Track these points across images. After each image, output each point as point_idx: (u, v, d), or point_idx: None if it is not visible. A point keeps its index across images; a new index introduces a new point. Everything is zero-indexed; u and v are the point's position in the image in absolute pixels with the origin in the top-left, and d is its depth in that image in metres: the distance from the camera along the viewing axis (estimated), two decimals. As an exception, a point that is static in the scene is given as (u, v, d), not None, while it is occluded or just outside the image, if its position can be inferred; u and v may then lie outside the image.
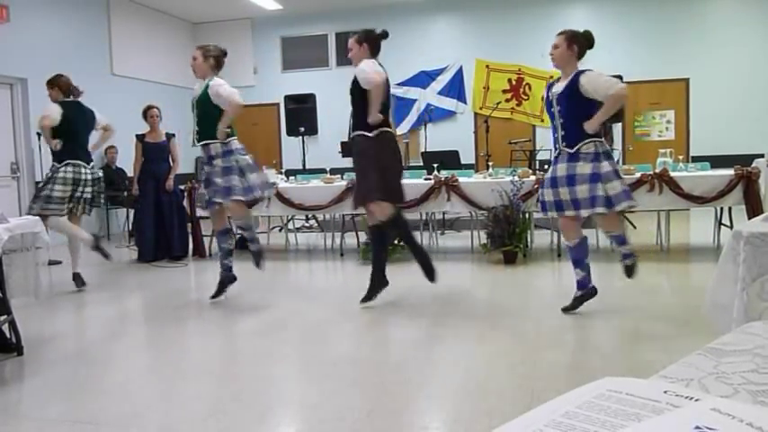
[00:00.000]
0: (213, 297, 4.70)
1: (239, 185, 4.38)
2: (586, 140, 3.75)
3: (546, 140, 9.44)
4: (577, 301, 4.02)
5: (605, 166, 3.75)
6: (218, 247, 4.78)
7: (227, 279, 4.71)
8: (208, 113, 4.49)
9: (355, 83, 4.27)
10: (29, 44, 8.14)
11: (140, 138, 6.84)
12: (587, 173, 3.74)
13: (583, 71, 3.76)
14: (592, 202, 3.76)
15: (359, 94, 4.25)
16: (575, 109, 3.76)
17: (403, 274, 5.44)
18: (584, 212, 3.82)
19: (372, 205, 4.30)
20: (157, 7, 10.79)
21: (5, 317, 3.44)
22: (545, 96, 4.01)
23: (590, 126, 3.70)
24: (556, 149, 3.93)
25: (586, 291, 4.00)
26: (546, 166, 7.34)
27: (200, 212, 6.77)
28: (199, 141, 4.53)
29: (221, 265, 4.73)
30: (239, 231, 4.75)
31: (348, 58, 4.42)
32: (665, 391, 0.57)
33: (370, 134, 4.23)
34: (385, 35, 4.43)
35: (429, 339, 3.82)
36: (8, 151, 8.07)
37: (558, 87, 3.86)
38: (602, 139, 3.84)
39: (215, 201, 4.46)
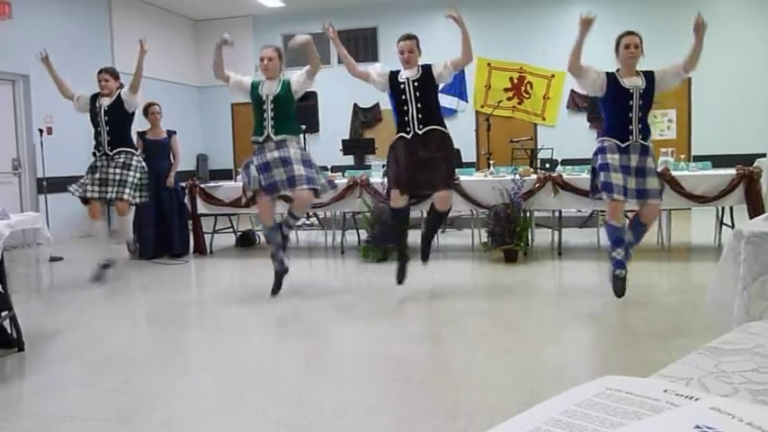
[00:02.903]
0: (274, 292, 4.67)
1: (316, 176, 4.57)
2: (650, 135, 4.16)
3: (547, 139, 9.44)
4: (622, 282, 4.13)
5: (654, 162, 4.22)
6: (270, 241, 4.74)
7: (282, 272, 4.71)
8: (286, 109, 4.62)
9: (428, 78, 4.47)
10: (31, 40, 8.13)
11: (141, 135, 6.84)
12: (653, 167, 4.17)
13: (651, 70, 4.14)
14: (660, 194, 4.14)
15: (434, 90, 4.55)
16: (651, 104, 4.15)
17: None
18: (655, 202, 4.13)
19: (451, 194, 4.62)
20: (159, 4, 10.79)
21: (7, 312, 3.45)
22: (609, 88, 4.11)
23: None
24: (623, 140, 4.08)
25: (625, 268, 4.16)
26: (547, 165, 7.36)
27: (202, 210, 6.79)
28: (276, 135, 4.53)
29: (274, 258, 4.71)
30: (285, 222, 4.76)
31: (407, 61, 4.52)
32: (665, 390, 0.57)
33: (446, 130, 4.49)
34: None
35: (429, 337, 3.82)
36: (10, 147, 8.08)
37: (637, 81, 4.09)
38: None
39: (284, 190, 4.55)
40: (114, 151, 5.31)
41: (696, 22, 4.13)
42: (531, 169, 6.54)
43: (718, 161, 6.79)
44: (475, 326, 3.85)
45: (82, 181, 5.31)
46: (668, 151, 6.26)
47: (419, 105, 4.41)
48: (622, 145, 4.08)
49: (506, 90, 11.04)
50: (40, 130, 7.63)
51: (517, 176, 5.95)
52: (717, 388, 0.70)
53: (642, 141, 4.09)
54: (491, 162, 7.12)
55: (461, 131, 10.74)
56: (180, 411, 2.68)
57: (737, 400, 0.65)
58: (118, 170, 5.27)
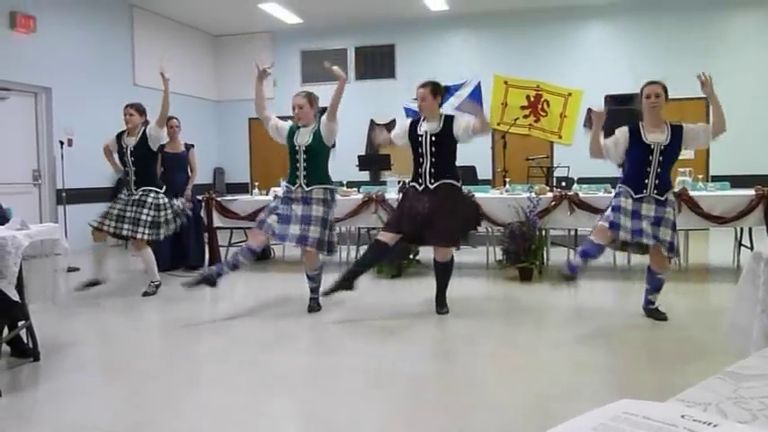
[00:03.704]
0: (188, 286, 4.54)
1: (326, 239, 4.54)
2: (671, 189, 4.14)
3: (563, 158, 9.42)
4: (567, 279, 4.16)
5: (676, 216, 4.19)
6: (238, 255, 4.63)
7: (211, 280, 4.49)
8: (319, 158, 4.60)
9: (447, 133, 4.41)
10: (54, 54, 8.28)
11: (160, 148, 6.90)
12: (671, 219, 4.10)
13: (679, 124, 4.13)
14: (671, 247, 4.06)
15: (451, 145, 4.48)
16: (674, 159, 4.12)
17: (416, 289, 5.43)
18: (662, 251, 4.09)
19: (450, 250, 4.60)
20: (179, 19, 10.95)
21: (24, 322, 3.48)
22: (631, 142, 4.13)
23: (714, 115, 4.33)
24: (636, 191, 4.09)
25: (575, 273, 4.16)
26: (563, 183, 7.33)
27: (218, 223, 6.83)
28: (308, 186, 4.53)
29: (225, 263, 4.69)
30: (308, 280, 4.80)
31: (420, 108, 4.52)
32: (683, 416, 0.57)
33: (457, 183, 4.50)
34: (448, 90, 4.69)
35: (443, 354, 3.80)
36: (31, 158, 8.19)
37: (660, 137, 4.07)
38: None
39: (292, 244, 4.52)
40: (139, 190, 5.38)
41: (702, 82, 4.17)
42: (547, 187, 6.52)
43: (737, 181, 6.72)
44: (488, 344, 3.82)
45: (103, 212, 5.36)
46: (686, 171, 6.21)
47: (434, 160, 4.42)
48: (635, 196, 4.10)
49: (523, 108, 11.00)
50: (61, 142, 7.73)
51: (533, 194, 5.93)
52: (735, 414, 0.69)
53: (657, 196, 4.05)
54: (507, 180, 7.10)
55: (477, 149, 10.70)
56: (191, 423, 2.68)
57: (756, 427, 0.64)
58: (134, 208, 5.32)
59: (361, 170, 8.97)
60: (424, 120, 4.51)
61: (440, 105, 4.53)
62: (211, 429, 2.61)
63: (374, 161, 9.49)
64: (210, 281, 4.50)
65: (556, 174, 8.33)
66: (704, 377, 0.82)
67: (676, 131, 4.09)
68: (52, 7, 8.27)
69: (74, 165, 7.97)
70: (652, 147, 4.06)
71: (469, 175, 7.81)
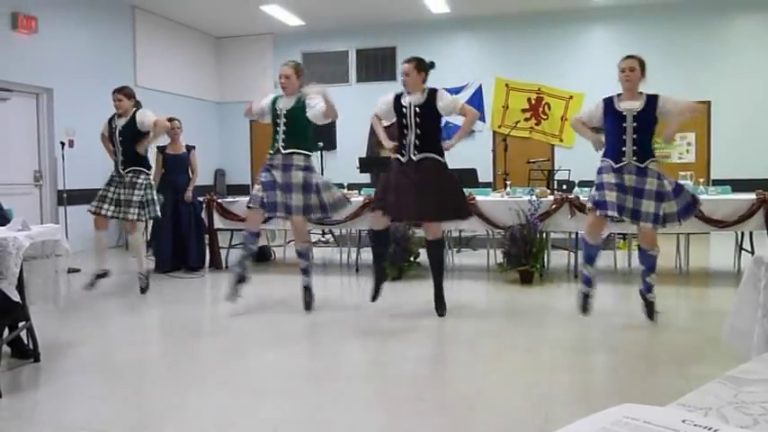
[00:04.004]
0: (230, 298, 4.78)
1: (315, 204, 4.64)
2: (653, 158, 4.11)
3: (564, 161, 9.42)
4: (587, 300, 4.27)
5: (666, 185, 4.08)
6: (245, 244, 4.82)
7: (240, 278, 4.76)
8: (299, 125, 4.68)
9: (430, 106, 4.47)
10: (55, 55, 8.29)
11: (161, 149, 6.93)
12: (654, 189, 4.05)
13: (656, 94, 4.14)
14: (654, 219, 4.04)
15: (435, 119, 4.52)
16: (650, 127, 4.15)
17: (418, 291, 5.42)
18: (642, 224, 4.07)
19: (440, 226, 4.62)
20: (181, 21, 10.96)
21: (24, 323, 3.48)
22: (605, 113, 4.23)
23: (668, 137, 4.24)
24: (616, 161, 4.14)
25: (592, 287, 4.29)
26: (564, 186, 7.33)
27: (219, 225, 6.83)
28: (285, 149, 4.64)
29: (238, 264, 4.78)
30: (299, 258, 4.86)
31: (405, 84, 4.56)
32: (684, 420, 0.57)
33: (442, 159, 4.50)
34: (433, 66, 4.64)
35: (443, 357, 3.80)
36: (32, 159, 8.20)
37: (634, 104, 4.13)
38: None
39: (281, 214, 4.66)
40: (126, 170, 5.39)
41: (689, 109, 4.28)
42: (548, 190, 6.51)
43: (738, 185, 6.72)
44: (489, 347, 3.82)
45: (99, 195, 5.39)
46: (687, 175, 6.21)
47: (418, 132, 4.47)
48: (615, 166, 4.14)
49: (524, 111, 11.04)
50: (62, 143, 7.74)
51: (534, 197, 5.93)
52: (736, 419, 0.69)
53: (637, 163, 4.08)
54: (508, 183, 7.10)
55: (479, 151, 10.78)
56: (192, 426, 2.68)
57: (757, 432, 0.64)
58: (126, 190, 5.36)
59: (361, 172, 8.96)
60: (408, 93, 4.55)
61: (424, 81, 4.55)
62: (212, 431, 2.61)
63: (375, 163, 9.48)
64: (242, 278, 4.76)
65: (557, 177, 8.31)
66: (705, 381, 0.82)
67: (651, 99, 4.13)
68: (54, 8, 8.28)
69: (75, 165, 7.98)
70: (624, 113, 4.14)
71: (470, 177, 7.80)
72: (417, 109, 4.47)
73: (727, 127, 10.09)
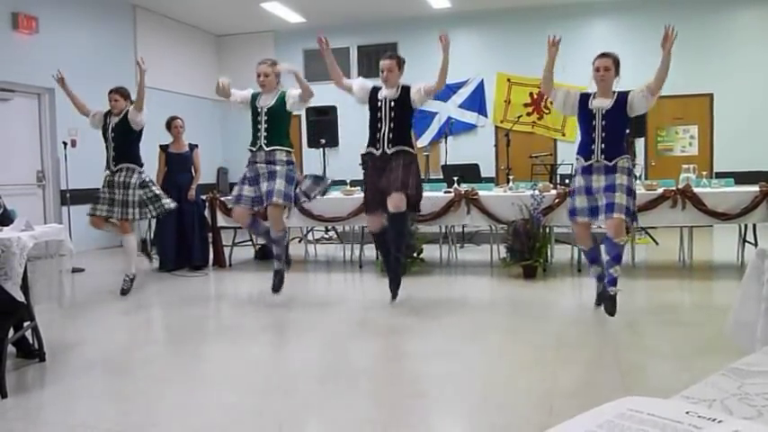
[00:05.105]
0: (275, 290, 5.01)
1: (291, 193, 4.82)
2: (623, 156, 4.13)
3: (567, 155, 9.40)
4: (607, 296, 4.14)
5: (633, 183, 4.16)
6: (260, 236, 5.16)
7: (282, 269, 5.06)
8: (280, 121, 4.85)
9: (404, 101, 4.63)
10: (56, 55, 8.29)
11: (164, 148, 6.94)
12: (625, 184, 4.08)
13: (627, 91, 4.15)
14: (627, 211, 4.04)
15: (407, 114, 4.70)
16: (621, 125, 4.16)
17: (421, 287, 5.43)
18: (616, 215, 4.02)
19: (403, 197, 4.59)
20: (182, 19, 10.96)
21: (29, 323, 3.49)
22: (579, 108, 4.28)
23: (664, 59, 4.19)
24: (586, 158, 4.18)
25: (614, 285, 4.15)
26: (566, 181, 7.32)
27: (222, 223, 6.84)
28: (268, 146, 4.79)
29: (278, 259, 5.03)
30: (273, 245, 5.07)
31: (386, 79, 4.72)
32: (687, 412, 0.57)
33: (413, 151, 4.72)
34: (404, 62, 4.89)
35: (447, 353, 3.80)
36: (35, 159, 8.22)
37: (604, 103, 4.16)
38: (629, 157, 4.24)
39: (266, 199, 4.76)
40: (117, 167, 5.42)
41: (665, 33, 4.19)
42: (551, 185, 6.51)
43: (741, 178, 6.70)
44: (493, 342, 3.83)
45: (97, 196, 5.44)
46: (690, 167, 6.19)
47: (392, 125, 4.61)
48: (585, 164, 4.19)
49: (526, 105, 11.03)
50: (65, 143, 7.75)
51: (536, 192, 5.92)
52: (740, 410, 0.69)
53: (606, 161, 4.10)
54: (510, 177, 7.09)
55: (481, 147, 10.78)
56: (197, 424, 2.68)
57: (761, 424, 0.64)
58: (120, 190, 5.39)
59: (364, 169, 8.95)
60: (385, 88, 4.70)
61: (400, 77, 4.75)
62: (218, 430, 2.62)
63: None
64: (281, 272, 5.02)
65: (559, 171, 8.31)
66: (708, 374, 0.82)
67: (621, 97, 4.15)
68: (54, 8, 8.28)
69: (78, 165, 7.99)
70: (594, 111, 4.18)
71: (473, 172, 7.79)
72: (392, 103, 4.62)
73: (730, 120, 10.06)
